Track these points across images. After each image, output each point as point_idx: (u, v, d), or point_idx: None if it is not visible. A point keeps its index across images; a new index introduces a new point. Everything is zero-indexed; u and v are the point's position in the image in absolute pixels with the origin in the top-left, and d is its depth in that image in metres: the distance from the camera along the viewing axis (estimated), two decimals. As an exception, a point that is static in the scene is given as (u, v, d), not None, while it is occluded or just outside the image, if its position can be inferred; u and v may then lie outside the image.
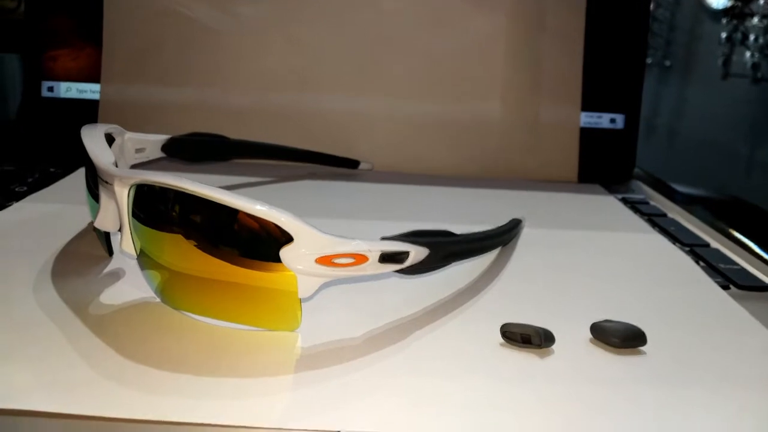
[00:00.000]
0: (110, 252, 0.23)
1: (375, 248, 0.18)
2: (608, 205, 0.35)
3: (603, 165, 0.41)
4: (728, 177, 0.48)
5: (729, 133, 0.49)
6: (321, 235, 0.17)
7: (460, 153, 0.39)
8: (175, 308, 0.19)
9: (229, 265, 0.18)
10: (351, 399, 0.15)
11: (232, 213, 0.17)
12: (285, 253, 0.17)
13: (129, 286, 0.21)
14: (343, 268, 0.18)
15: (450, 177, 0.38)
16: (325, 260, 0.17)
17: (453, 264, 0.22)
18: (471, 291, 0.22)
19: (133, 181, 0.19)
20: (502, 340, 0.19)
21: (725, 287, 0.25)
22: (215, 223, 0.18)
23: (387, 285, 0.22)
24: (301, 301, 0.18)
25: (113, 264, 0.23)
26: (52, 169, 0.35)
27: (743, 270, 0.27)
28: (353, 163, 0.37)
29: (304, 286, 0.17)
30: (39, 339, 0.17)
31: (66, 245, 0.24)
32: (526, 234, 0.28)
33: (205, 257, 0.18)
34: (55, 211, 0.27)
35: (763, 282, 0.25)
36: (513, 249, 0.26)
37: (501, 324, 0.19)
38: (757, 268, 0.27)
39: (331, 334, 0.19)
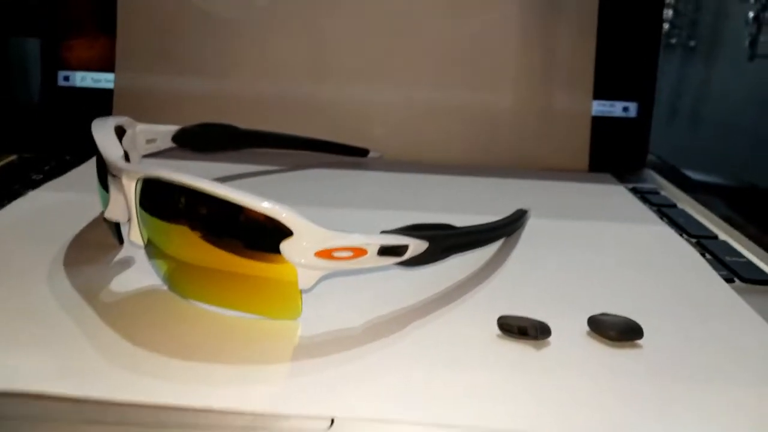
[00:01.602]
0: (121, 241, 0.23)
1: (374, 242, 0.19)
2: (617, 195, 0.35)
3: (615, 154, 0.41)
4: (753, 162, 0.47)
5: (754, 116, 0.48)
6: (320, 230, 0.18)
7: (471, 141, 0.39)
8: (182, 296, 0.20)
9: (232, 256, 0.18)
10: (346, 387, 0.16)
11: (235, 208, 0.18)
12: (285, 246, 0.18)
13: (139, 274, 0.21)
14: (342, 261, 0.18)
15: (461, 165, 0.38)
16: (325, 254, 0.18)
17: (453, 256, 0.22)
18: (471, 282, 0.22)
19: (140, 176, 0.19)
20: (499, 332, 0.19)
21: (729, 280, 0.25)
22: (218, 216, 0.18)
23: (387, 276, 0.22)
24: (301, 291, 0.18)
25: (124, 253, 0.23)
26: (67, 158, 0.35)
27: (749, 263, 0.27)
28: (362, 152, 0.37)
29: (304, 278, 0.18)
30: (52, 325, 0.18)
31: (79, 234, 0.25)
32: (531, 225, 0.29)
33: (209, 248, 0.18)
34: (69, 200, 0.28)
35: (768, 275, 0.25)
36: (517, 240, 0.27)
37: (498, 316, 0.20)
38: (765, 261, 0.27)
39: (332, 323, 0.19)
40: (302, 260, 0.18)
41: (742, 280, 0.25)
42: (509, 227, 0.25)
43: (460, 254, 0.23)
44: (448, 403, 0.16)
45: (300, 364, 0.17)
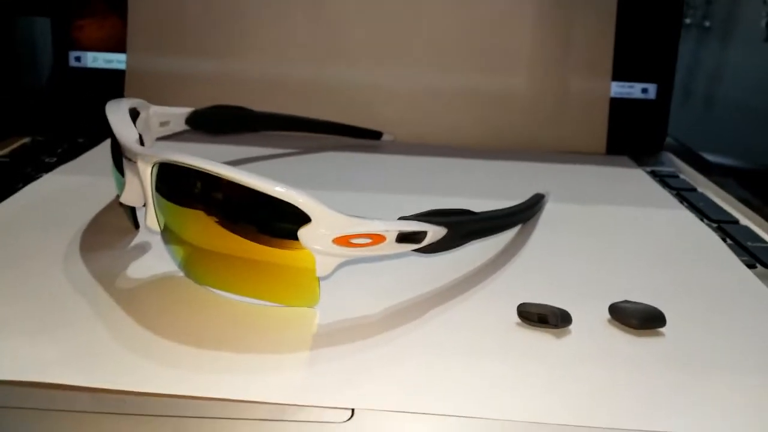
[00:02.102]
0: (136, 225, 0.23)
1: (393, 228, 0.18)
2: (636, 178, 0.34)
3: (633, 136, 0.40)
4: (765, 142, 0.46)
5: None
6: (339, 216, 0.17)
7: (486, 124, 0.38)
8: (198, 283, 0.20)
9: (249, 242, 0.18)
10: (365, 377, 0.16)
11: (252, 193, 0.17)
12: (303, 233, 0.17)
13: (155, 259, 0.21)
14: (360, 248, 0.18)
15: (475, 149, 0.37)
16: (343, 240, 0.18)
17: (472, 242, 0.22)
18: (490, 269, 0.22)
19: (156, 160, 0.19)
20: (518, 320, 0.19)
21: (751, 266, 0.24)
22: (235, 201, 0.18)
23: (406, 262, 0.22)
24: (319, 279, 0.18)
25: (140, 237, 0.23)
26: (80, 140, 0.35)
27: (772, 249, 0.26)
28: (376, 135, 0.37)
29: (322, 265, 0.18)
30: (67, 311, 0.18)
31: (94, 218, 0.25)
32: (548, 209, 0.28)
33: (226, 234, 0.18)
34: (83, 183, 0.28)
35: (792, 262, 0.25)
36: (534, 225, 0.26)
37: (518, 303, 0.19)
38: (787, 247, 0.26)
39: (349, 310, 0.19)
40: (320, 247, 0.17)
41: (765, 265, 0.25)
42: (527, 212, 0.25)
43: (481, 240, 0.22)
44: (467, 394, 0.15)
45: (318, 353, 0.17)
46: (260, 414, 0.14)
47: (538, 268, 0.22)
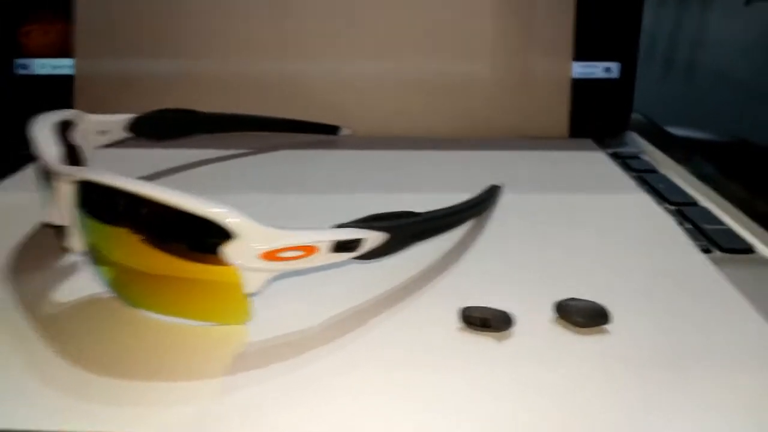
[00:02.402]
0: (65, 246, 0.22)
1: (326, 238, 0.18)
2: (596, 162, 0.33)
3: (596, 118, 0.39)
4: (749, 113, 0.46)
5: (752, 64, 0.46)
6: (264, 230, 0.17)
7: (447, 113, 0.38)
8: (129, 305, 0.19)
9: (174, 259, 0.17)
10: (293, 398, 0.15)
11: (172, 210, 0.17)
12: (226, 249, 0.17)
13: (86, 281, 0.21)
14: (291, 262, 0.17)
15: (437, 138, 0.37)
16: (270, 255, 0.17)
17: (418, 244, 0.21)
18: (435, 270, 0.21)
19: (75, 178, 0.18)
20: (461, 324, 0.19)
21: (707, 251, 0.24)
22: (157, 219, 0.17)
23: (346, 270, 0.21)
24: (249, 295, 0.18)
25: (72, 258, 0.22)
26: (25, 152, 0.34)
27: (729, 231, 0.26)
28: (332, 129, 0.36)
29: (251, 282, 0.17)
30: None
31: (29, 237, 0.24)
32: (504, 201, 0.28)
33: (150, 252, 0.18)
34: (20, 201, 0.27)
35: (748, 244, 0.24)
36: (487, 220, 0.26)
37: (463, 307, 0.19)
38: (746, 228, 0.26)
39: (286, 325, 0.18)
40: (246, 263, 0.17)
41: (721, 249, 0.24)
42: (478, 208, 0.24)
43: (426, 242, 0.22)
44: (406, 409, 0.15)
45: (242, 376, 0.16)
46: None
47: (486, 266, 0.22)
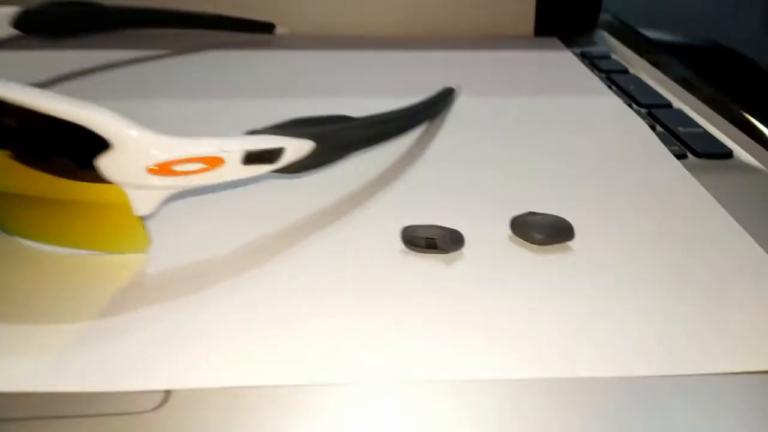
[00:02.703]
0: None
1: (234, 147, 0.14)
2: (563, 62, 0.30)
3: (563, 15, 0.36)
4: (717, 18, 0.43)
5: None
6: (151, 137, 0.13)
7: (400, 8, 0.34)
8: (9, 233, 0.16)
9: (53, 178, 0.14)
10: (195, 344, 0.13)
11: (42, 117, 0.13)
12: (104, 162, 0.13)
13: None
14: (189, 177, 0.14)
15: (388, 38, 0.33)
16: (162, 168, 0.14)
17: (353, 155, 0.18)
18: (373, 186, 0.18)
19: None
20: (403, 247, 0.16)
21: (681, 156, 0.21)
22: (28, 129, 0.14)
23: (266, 186, 0.18)
24: (142, 218, 0.14)
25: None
26: None
27: (706, 134, 0.23)
28: (267, 27, 0.31)
29: (140, 202, 0.14)
30: None
31: None
32: (459, 105, 0.24)
33: (21, 169, 0.14)
34: None
35: (727, 148, 0.22)
36: (440, 126, 0.23)
37: (404, 226, 0.16)
38: (724, 132, 0.24)
39: (192, 254, 0.15)
40: (131, 179, 0.14)
41: (696, 155, 0.22)
42: (426, 113, 0.21)
43: (364, 152, 0.19)
44: (337, 351, 0.12)
45: (134, 317, 0.13)
46: (52, 409, 0.11)
47: (434, 179, 0.19)
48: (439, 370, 0.12)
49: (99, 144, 0.13)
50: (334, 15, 0.33)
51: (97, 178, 0.14)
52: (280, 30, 0.32)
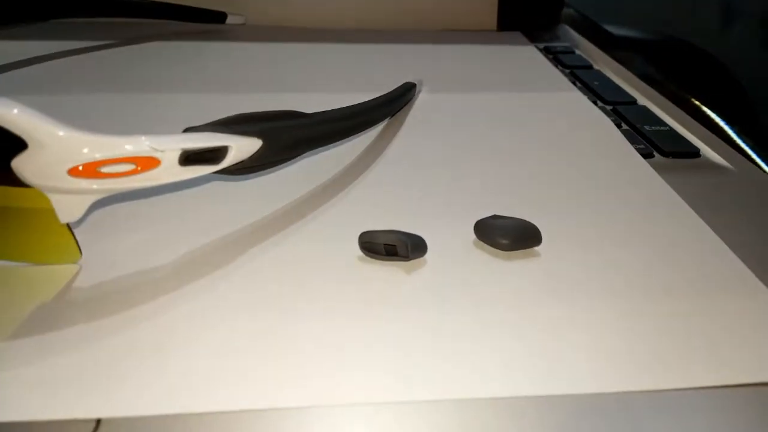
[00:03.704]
0: None
1: (170, 146, 0.13)
2: (526, 57, 0.29)
3: (526, 9, 0.35)
4: (675, 13, 0.43)
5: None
6: (74, 136, 0.12)
7: (360, 1, 0.32)
8: None
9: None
10: (128, 368, 0.11)
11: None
12: (20, 163, 0.12)
13: None
14: (119, 179, 0.13)
15: (347, 30, 0.31)
16: (87, 170, 0.12)
17: (305, 155, 0.17)
18: (328, 189, 0.17)
19: None
20: (361, 254, 0.15)
21: (648, 155, 0.21)
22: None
23: (210, 189, 0.17)
24: (69, 225, 0.13)
25: None
26: None
27: (671, 132, 0.23)
28: (219, 17, 0.30)
29: (64, 207, 0.12)
30: None
31: None
32: (421, 101, 0.23)
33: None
34: None
35: (694, 147, 0.22)
36: (401, 123, 0.22)
37: (362, 232, 0.15)
38: (691, 129, 0.23)
39: (128, 264, 0.14)
40: (50, 182, 0.12)
41: (663, 153, 0.21)
42: (385, 109, 0.20)
43: (317, 151, 0.17)
44: (287, 367, 0.11)
45: (62, 338, 0.12)
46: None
47: (394, 181, 0.18)
48: (393, 392, 0.11)
49: (16, 143, 0.12)
50: (291, 5, 0.32)
51: (12, 180, 0.12)
52: (232, 19, 0.30)
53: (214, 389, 0.11)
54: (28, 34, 0.26)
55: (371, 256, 0.15)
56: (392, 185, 0.18)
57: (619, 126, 0.23)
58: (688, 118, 0.24)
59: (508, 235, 0.15)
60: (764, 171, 0.20)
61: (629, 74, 0.29)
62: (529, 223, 0.15)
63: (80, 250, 0.14)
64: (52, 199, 0.12)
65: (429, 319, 0.13)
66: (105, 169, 0.12)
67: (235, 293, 0.13)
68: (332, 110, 0.17)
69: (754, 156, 0.22)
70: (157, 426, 0.10)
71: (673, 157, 0.21)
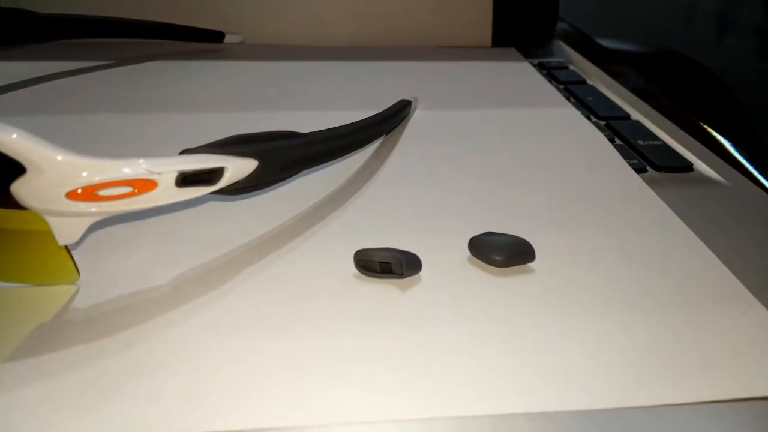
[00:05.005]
0: None
1: (166, 169, 0.13)
2: (520, 73, 0.30)
3: (521, 26, 0.35)
4: (670, 26, 0.43)
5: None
6: (72, 160, 0.12)
7: (357, 17, 0.33)
8: None
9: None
10: (122, 388, 0.11)
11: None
12: (19, 187, 0.12)
13: None
14: (117, 201, 0.13)
15: (344, 47, 0.32)
16: (85, 193, 0.12)
17: (300, 174, 0.17)
18: (324, 207, 0.17)
19: None
20: (356, 271, 0.15)
21: (641, 170, 0.21)
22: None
23: (208, 209, 0.17)
24: (67, 246, 0.13)
25: None
26: None
27: (665, 146, 0.23)
28: (217, 36, 0.30)
29: (63, 229, 0.13)
30: None
31: None
32: (415, 118, 0.24)
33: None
34: None
35: (687, 161, 0.22)
36: (396, 140, 0.22)
37: (357, 250, 0.15)
38: (683, 144, 0.23)
39: (125, 285, 0.14)
40: (48, 205, 0.12)
41: (657, 168, 0.21)
42: (380, 127, 0.20)
43: (313, 169, 0.18)
44: (282, 387, 0.11)
45: (61, 359, 0.12)
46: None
47: (390, 199, 0.18)
48: (388, 410, 0.11)
49: (15, 168, 0.12)
50: (288, 24, 0.32)
51: (11, 202, 0.12)
52: (230, 38, 0.31)
53: (212, 408, 0.11)
54: (26, 54, 0.27)
55: (366, 274, 0.15)
56: (387, 203, 0.18)
57: (612, 141, 0.23)
58: (681, 132, 0.24)
59: (502, 251, 0.15)
60: (758, 184, 0.20)
61: (622, 89, 0.29)
62: (523, 239, 0.15)
63: (78, 270, 0.14)
64: (50, 221, 0.12)
65: (424, 336, 0.13)
66: (103, 192, 0.12)
67: (232, 312, 0.13)
68: (327, 129, 0.18)
69: (750, 169, 0.22)
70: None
71: (666, 172, 0.21)
